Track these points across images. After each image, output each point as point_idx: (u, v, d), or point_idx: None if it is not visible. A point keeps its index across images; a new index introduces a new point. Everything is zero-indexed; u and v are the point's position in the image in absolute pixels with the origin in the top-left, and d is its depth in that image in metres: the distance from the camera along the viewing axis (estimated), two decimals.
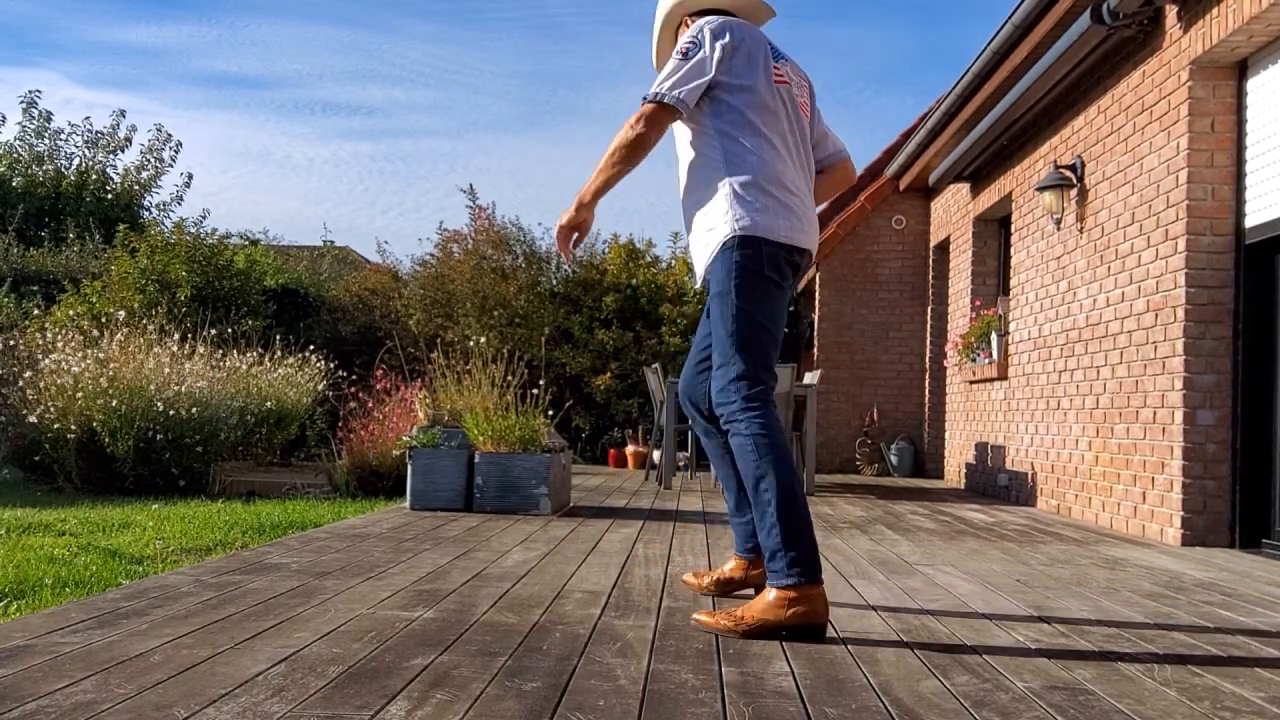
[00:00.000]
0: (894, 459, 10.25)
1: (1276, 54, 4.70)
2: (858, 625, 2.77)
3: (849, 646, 2.50)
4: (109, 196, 18.47)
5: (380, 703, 1.90)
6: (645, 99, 2.84)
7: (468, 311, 11.15)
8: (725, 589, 3.13)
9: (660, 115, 2.83)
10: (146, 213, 18.98)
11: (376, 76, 50.75)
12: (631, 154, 2.84)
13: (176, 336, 8.00)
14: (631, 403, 11.24)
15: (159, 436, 6.98)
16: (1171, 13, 5.20)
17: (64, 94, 42.36)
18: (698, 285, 3.11)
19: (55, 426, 6.95)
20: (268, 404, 8.01)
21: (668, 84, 2.82)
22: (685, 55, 2.86)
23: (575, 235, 2.97)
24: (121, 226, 12.03)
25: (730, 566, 3.15)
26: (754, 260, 2.77)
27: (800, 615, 2.56)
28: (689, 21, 3.12)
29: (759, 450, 2.68)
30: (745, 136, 2.85)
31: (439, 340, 10.43)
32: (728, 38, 2.86)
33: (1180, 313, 4.99)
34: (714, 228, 2.85)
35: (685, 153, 2.99)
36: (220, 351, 8.27)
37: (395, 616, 2.67)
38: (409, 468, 5.50)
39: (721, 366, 2.83)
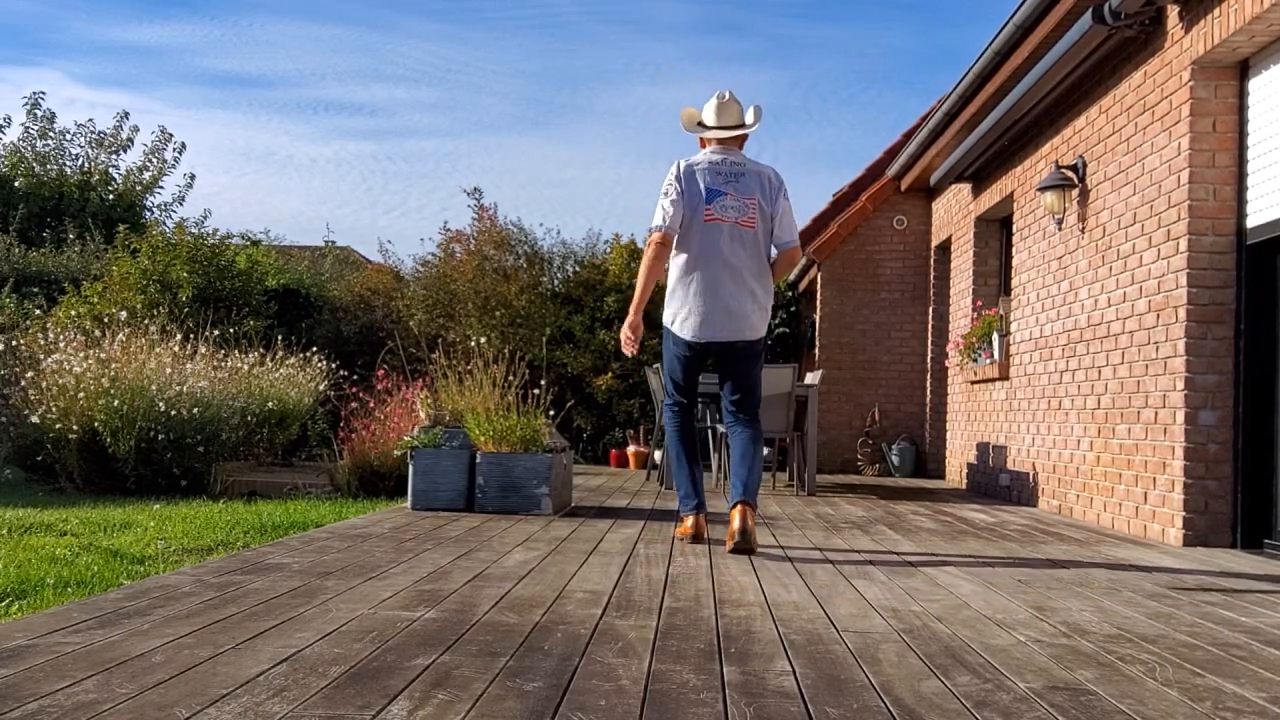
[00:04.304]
0: (895, 459, 10.25)
1: (1278, 54, 4.70)
2: (859, 625, 2.76)
3: (850, 646, 2.50)
4: (111, 197, 18.49)
5: (382, 703, 1.90)
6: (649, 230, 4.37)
7: (469, 311, 11.15)
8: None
9: (652, 238, 4.33)
10: (149, 213, 19.00)
11: (379, 76, 50.72)
12: (645, 271, 4.32)
13: (178, 337, 8.01)
14: (633, 403, 11.24)
15: (160, 436, 6.98)
16: (1173, 13, 5.19)
17: (67, 93, 42.39)
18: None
19: (57, 427, 6.95)
20: (269, 404, 8.02)
21: (655, 218, 4.31)
22: (665, 194, 4.31)
23: (630, 336, 4.42)
24: (122, 227, 12.04)
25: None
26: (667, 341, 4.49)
27: (687, 530, 4.36)
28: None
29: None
30: (678, 255, 4.34)
31: (440, 340, 10.43)
32: (670, 190, 4.29)
33: (1182, 313, 4.99)
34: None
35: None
36: (222, 352, 8.27)
37: (397, 616, 2.67)
38: (410, 468, 5.51)
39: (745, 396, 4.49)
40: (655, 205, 4.33)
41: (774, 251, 4.45)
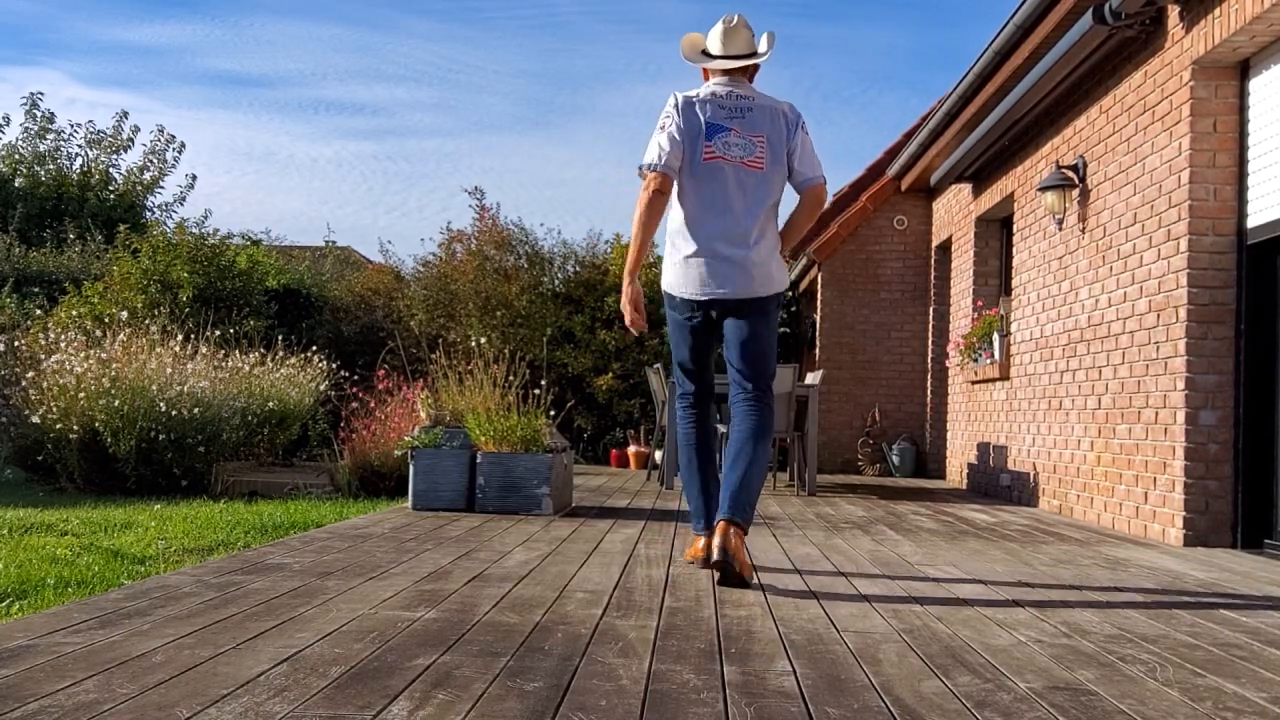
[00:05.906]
0: (896, 459, 10.25)
1: (1278, 54, 4.70)
2: (860, 625, 2.76)
3: (851, 646, 2.50)
4: (111, 197, 18.49)
5: (382, 703, 1.90)
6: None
7: (470, 312, 11.16)
8: None
9: (648, 180, 3.61)
10: (149, 213, 19.01)
11: (380, 76, 50.76)
12: (640, 216, 3.63)
13: (179, 337, 8.01)
14: (633, 403, 11.24)
15: (161, 437, 6.98)
16: (1174, 13, 5.19)
17: (68, 93, 42.42)
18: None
19: (58, 427, 6.95)
20: (270, 404, 8.02)
21: (648, 154, 3.64)
22: (661, 127, 3.67)
23: (632, 310, 3.72)
24: (122, 227, 12.04)
25: None
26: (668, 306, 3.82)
27: (698, 552, 3.69)
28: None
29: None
30: (674, 202, 3.70)
31: (441, 340, 10.43)
32: (667, 123, 3.64)
33: (1182, 313, 4.98)
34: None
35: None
36: (222, 352, 8.27)
37: (397, 616, 2.67)
38: (411, 468, 5.51)
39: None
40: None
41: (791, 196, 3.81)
